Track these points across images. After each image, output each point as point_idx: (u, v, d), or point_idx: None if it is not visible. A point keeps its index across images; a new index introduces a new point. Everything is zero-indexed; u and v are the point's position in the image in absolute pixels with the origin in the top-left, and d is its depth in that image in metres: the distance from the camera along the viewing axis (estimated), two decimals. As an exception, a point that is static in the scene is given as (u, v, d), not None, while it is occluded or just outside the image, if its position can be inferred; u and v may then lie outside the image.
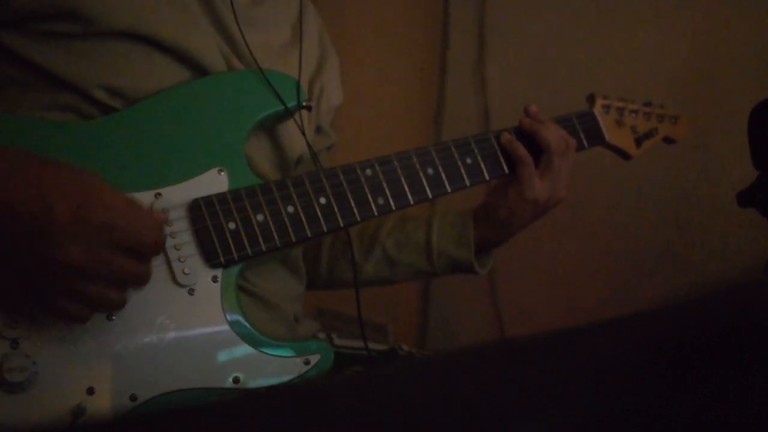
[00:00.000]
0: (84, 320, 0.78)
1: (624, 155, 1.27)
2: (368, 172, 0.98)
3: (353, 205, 0.95)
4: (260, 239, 0.89)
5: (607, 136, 1.22)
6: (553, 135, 1.09)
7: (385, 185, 0.98)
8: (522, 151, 1.08)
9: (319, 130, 1.15)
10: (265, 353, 0.87)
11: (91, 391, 0.79)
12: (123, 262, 0.76)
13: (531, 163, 1.09)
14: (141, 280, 0.80)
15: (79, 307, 0.76)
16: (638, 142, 1.26)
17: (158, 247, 0.80)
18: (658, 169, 1.62)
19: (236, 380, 0.85)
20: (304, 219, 0.92)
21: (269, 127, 0.99)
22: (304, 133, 1.00)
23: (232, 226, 0.87)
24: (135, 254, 0.78)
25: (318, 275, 1.20)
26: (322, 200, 0.94)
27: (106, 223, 0.74)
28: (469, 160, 1.06)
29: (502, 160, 1.09)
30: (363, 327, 1.06)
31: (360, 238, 1.18)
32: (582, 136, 1.18)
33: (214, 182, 0.89)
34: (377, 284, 1.20)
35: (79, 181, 0.75)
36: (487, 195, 1.17)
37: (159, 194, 0.86)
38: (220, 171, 0.90)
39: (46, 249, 0.72)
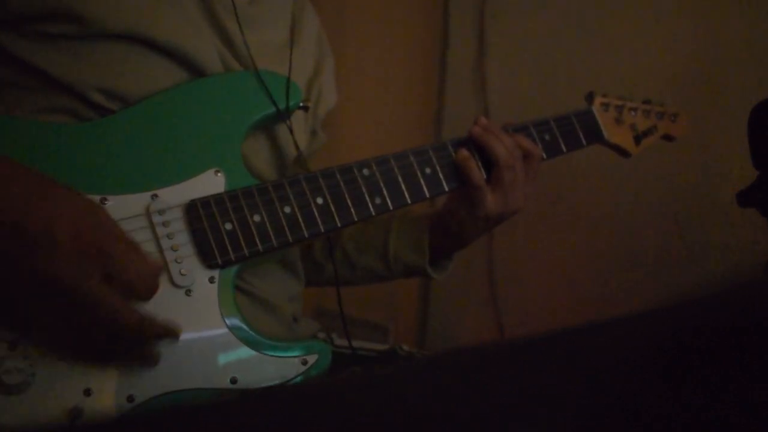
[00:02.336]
0: (57, 343, 0.76)
1: (623, 153, 1.27)
2: (365, 172, 0.98)
3: (350, 205, 0.95)
4: (257, 240, 0.88)
5: (606, 135, 1.22)
6: (501, 148, 1.05)
7: (382, 185, 0.98)
8: (475, 173, 1.05)
9: (314, 133, 1.15)
10: (263, 354, 0.87)
11: (88, 392, 0.78)
12: (113, 295, 0.74)
13: (483, 185, 1.05)
14: (122, 322, 0.76)
15: (56, 331, 0.75)
16: (637, 140, 1.26)
17: (150, 291, 0.78)
18: (658, 169, 1.62)
19: (234, 381, 0.85)
20: (301, 219, 0.92)
21: (266, 128, 0.99)
22: (292, 133, 0.99)
23: (229, 226, 0.87)
24: (126, 291, 0.76)
25: (321, 276, 1.21)
26: (320, 200, 0.93)
27: (105, 251, 0.74)
28: None
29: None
30: (345, 323, 1.05)
31: (323, 240, 1.16)
32: (581, 135, 1.18)
33: (210, 183, 0.89)
34: (341, 284, 1.17)
35: (85, 211, 0.76)
36: (441, 206, 1.15)
37: (156, 195, 0.86)
38: (216, 172, 0.89)
39: (38, 262, 0.71)
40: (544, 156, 1.13)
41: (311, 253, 1.17)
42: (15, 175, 0.74)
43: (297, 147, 1.01)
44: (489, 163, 1.06)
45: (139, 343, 0.79)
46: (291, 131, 0.99)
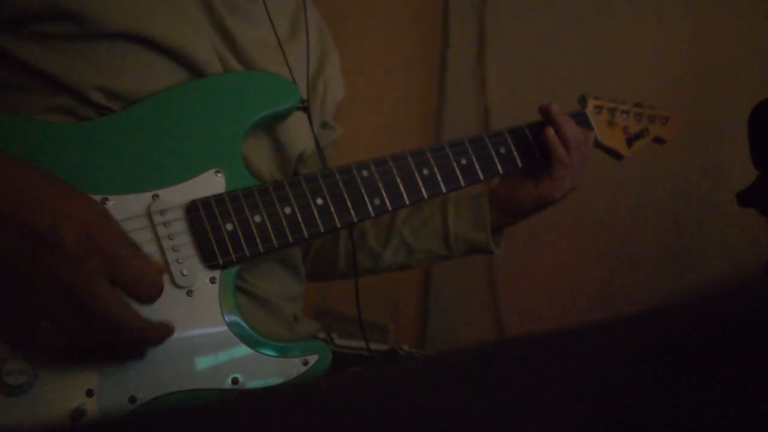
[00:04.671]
0: (55, 344, 0.76)
1: (616, 156, 1.28)
2: (364, 173, 0.98)
3: (350, 205, 0.96)
4: (258, 240, 0.89)
5: (599, 137, 1.23)
6: (572, 130, 1.14)
7: (381, 186, 0.99)
8: (561, 151, 1.13)
9: (324, 125, 1.16)
10: (264, 354, 0.87)
11: (90, 393, 0.78)
12: (113, 303, 0.74)
13: (570, 162, 1.14)
14: (125, 325, 0.75)
15: (55, 332, 0.74)
16: (629, 142, 1.27)
17: (154, 295, 0.78)
18: (658, 169, 1.62)
19: (235, 381, 0.85)
20: (301, 220, 0.92)
21: (267, 127, 0.99)
22: (312, 128, 1.01)
23: (229, 227, 0.87)
24: (130, 294, 0.76)
25: (337, 267, 1.24)
26: (319, 201, 0.94)
27: (111, 254, 0.74)
28: (464, 161, 1.07)
29: (496, 161, 1.11)
30: (362, 325, 1.07)
31: (376, 228, 1.22)
32: None
33: (211, 183, 0.89)
34: (395, 270, 1.26)
35: (92, 213, 0.76)
36: (499, 185, 1.21)
37: (156, 196, 0.86)
38: (217, 172, 0.90)
39: (46, 263, 0.71)
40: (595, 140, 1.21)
41: (365, 241, 1.21)
42: (25, 175, 0.74)
43: (316, 139, 1.03)
44: (544, 148, 1.14)
45: (138, 345, 0.79)
46: (311, 123, 1.01)
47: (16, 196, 0.72)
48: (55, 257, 0.71)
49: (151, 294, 0.78)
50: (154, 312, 0.82)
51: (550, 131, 1.13)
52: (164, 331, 0.79)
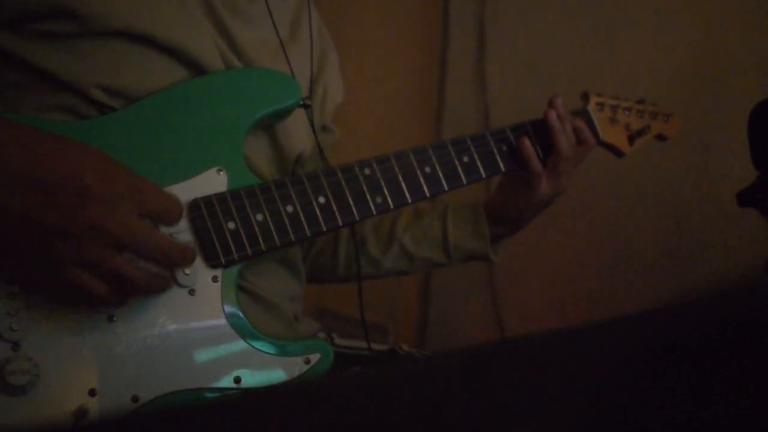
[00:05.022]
0: (101, 301, 0.78)
1: (617, 153, 1.28)
2: (366, 171, 0.98)
3: (352, 204, 0.96)
4: (260, 239, 0.89)
5: (601, 134, 1.23)
6: (564, 141, 1.13)
7: (383, 184, 0.99)
8: (535, 161, 1.12)
9: (323, 128, 1.16)
10: (266, 353, 0.88)
11: (92, 392, 0.79)
12: (153, 233, 0.79)
13: (542, 173, 1.12)
14: (170, 258, 0.81)
15: (97, 282, 0.76)
16: (631, 139, 1.27)
17: (177, 216, 0.83)
18: (658, 169, 1.62)
19: (237, 380, 0.85)
20: (303, 218, 0.92)
21: (268, 126, 1.00)
22: (314, 129, 1.02)
23: (231, 226, 0.88)
24: (159, 220, 0.81)
25: (336, 272, 1.25)
26: (321, 199, 0.94)
27: (135, 186, 0.78)
28: (466, 159, 1.07)
29: (498, 158, 1.10)
30: (365, 326, 1.07)
31: (376, 234, 1.23)
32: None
33: (213, 182, 0.89)
34: (394, 275, 1.27)
35: (105, 159, 0.78)
36: (494, 193, 1.21)
37: (159, 194, 0.86)
38: (219, 171, 0.90)
39: (72, 206, 0.73)
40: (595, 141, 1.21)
41: (365, 248, 1.22)
42: (31, 134, 0.76)
43: (317, 140, 1.03)
44: (547, 146, 1.13)
45: (175, 265, 0.82)
46: (312, 127, 1.02)
47: (30, 153, 0.74)
48: (83, 201, 0.74)
49: (174, 218, 0.83)
50: (156, 310, 0.82)
51: (525, 141, 1.11)
52: (190, 252, 0.83)
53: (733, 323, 0.41)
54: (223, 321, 0.86)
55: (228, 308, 0.87)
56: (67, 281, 0.76)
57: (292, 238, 0.91)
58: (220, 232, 0.87)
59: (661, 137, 1.31)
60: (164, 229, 0.85)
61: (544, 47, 1.81)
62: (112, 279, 0.77)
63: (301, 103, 0.98)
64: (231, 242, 0.87)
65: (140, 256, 0.79)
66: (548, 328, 0.42)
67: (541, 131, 1.14)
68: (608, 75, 1.70)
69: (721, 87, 1.55)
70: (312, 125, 1.03)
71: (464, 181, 1.07)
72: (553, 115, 1.13)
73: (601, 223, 1.74)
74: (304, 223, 0.92)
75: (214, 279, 0.86)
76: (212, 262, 0.86)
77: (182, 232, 0.86)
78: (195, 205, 0.87)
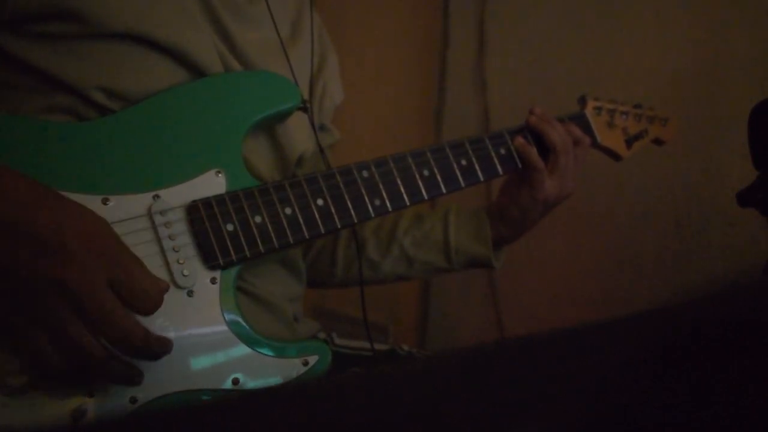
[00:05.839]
0: (51, 369, 0.73)
1: (615, 156, 1.28)
2: (365, 173, 0.98)
3: (350, 206, 0.96)
4: (258, 241, 0.89)
5: (599, 138, 1.23)
6: (556, 135, 1.13)
7: (381, 187, 0.99)
8: (534, 156, 1.12)
9: (322, 128, 1.16)
10: (264, 354, 0.88)
11: (91, 393, 0.79)
12: (121, 307, 0.72)
13: (543, 168, 1.12)
14: (123, 333, 0.73)
15: (51, 349, 0.71)
16: (629, 143, 1.28)
17: (153, 306, 0.76)
18: (658, 169, 1.62)
19: (235, 381, 0.85)
20: (301, 220, 0.92)
21: (267, 128, 1.00)
22: (314, 129, 1.02)
23: (230, 227, 0.88)
24: (130, 302, 0.74)
25: (334, 275, 1.23)
26: (320, 202, 0.94)
27: (113, 259, 0.73)
28: (464, 162, 1.07)
29: (496, 162, 1.10)
30: (368, 327, 1.07)
31: (376, 237, 1.21)
32: None
33: (211, 184, 0.89)
34: (393, 280, 1.24)
35: (92, 220, 0.75)
36: (499, 195, 1.21)
37: (157, 196, 0.86)
38: (217, 173, 0.90)
39: (45, 264, 0.70)
40: (592, 142, 1.21)
41: (364, 251, 1.20)
42: (20, 186, 0.73)
43: (318, 141, 1.03)
44: (545, 150, 1.14)
45: (137, 355, 0.77)
46: (314, 127, 1.02)
47: (15, 207, 0.71)
48: (57, 260, 0.70)
49: (150, 305, 0.76)
50: (156, 314, 0.82)
51: (519, 140, 1.12)
52: (163, 345, 0.78)
53: (733, 323, 0.41)
54: (221, 322, 0.86)
55: (226, 310, 0.87)
56: (20, 338, 0.72)
57: (291, 240, 0.91)
58: (218, 233, 0.87)
59: (658, 141, 1.32)
60: (162, 232, 0.84)
61: (544, 47, 1.81)
62: (67, 347, 0.72)
63: (301, 105, 0.98)
64: (229, 244, 0.87)
65: (102, 332, 0.73)
66: (548, 328, 0.42)
67: (536, 134, 1.15)
68: (608, 74, 1.70)
69: (721, 87, 1.55)
70: (313, 125, 1.03)
71: (462, 185, 1.07)
72: (533, 118, 1.14)
73: (601, 223, 1.74)
74: (303, 226, 0.92)
75: (213, 280, 0.86)
76: (211, 263, 0.86)
77: (181, 234, 0.86)
78: (193, 206, 0.87)
